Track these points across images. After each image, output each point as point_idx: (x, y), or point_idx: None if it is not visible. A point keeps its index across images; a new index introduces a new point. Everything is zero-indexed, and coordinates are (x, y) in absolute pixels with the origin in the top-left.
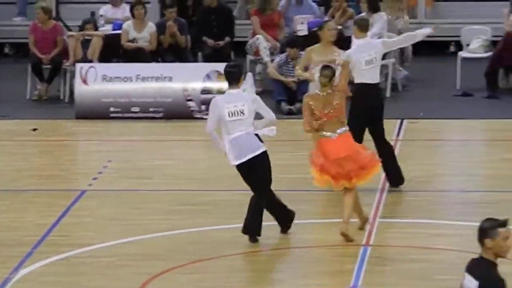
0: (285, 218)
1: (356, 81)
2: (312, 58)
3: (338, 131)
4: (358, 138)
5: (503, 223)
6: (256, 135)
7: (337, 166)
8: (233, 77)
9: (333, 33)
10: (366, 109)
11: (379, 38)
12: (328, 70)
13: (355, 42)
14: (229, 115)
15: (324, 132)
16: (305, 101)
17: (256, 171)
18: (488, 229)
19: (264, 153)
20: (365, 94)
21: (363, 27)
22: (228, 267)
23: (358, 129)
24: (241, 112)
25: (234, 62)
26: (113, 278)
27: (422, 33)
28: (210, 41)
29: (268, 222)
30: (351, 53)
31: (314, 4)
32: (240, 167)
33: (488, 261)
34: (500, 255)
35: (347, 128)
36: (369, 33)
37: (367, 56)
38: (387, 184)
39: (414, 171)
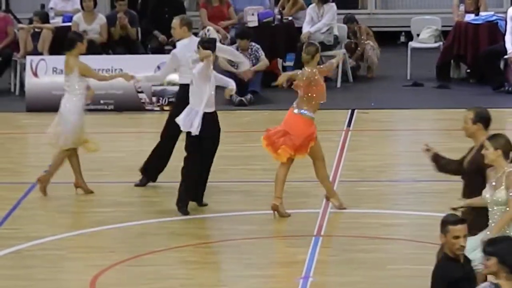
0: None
1: (182, 81)
2: None
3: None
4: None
5: (455, 222)
6: None
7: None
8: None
9: None
10: None
11: (328, 29)
12: (311, 46)
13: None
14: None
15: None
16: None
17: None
18: (442, 225)
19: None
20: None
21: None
22: (178, 259)
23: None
24: None
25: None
26: (65, 270)
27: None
28: (162, 37)
29: (217, 214)
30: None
31: None
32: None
33: (444, 253)
34: (453, 252)
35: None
36: (319, 23)
37: (194, 56)
38: (339, 174)
39: (365, 161)
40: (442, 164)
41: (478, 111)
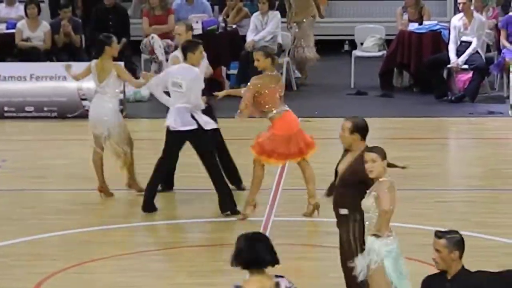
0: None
1: None
2: None
3: None
4: None
5: None
6: None
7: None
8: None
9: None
10: None
11: (272, 37)
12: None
13: None
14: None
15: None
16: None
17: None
18: None
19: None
20: None
21: None
22: (119, 267)
23: None
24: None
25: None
26: (7, 278)
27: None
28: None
29: (161, 221)
30: None
31: (206, 2)
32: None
33: None
34: None
35: None
36: (263, 32)
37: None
38: (282, 182)
39: None
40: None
41: (355, 121)
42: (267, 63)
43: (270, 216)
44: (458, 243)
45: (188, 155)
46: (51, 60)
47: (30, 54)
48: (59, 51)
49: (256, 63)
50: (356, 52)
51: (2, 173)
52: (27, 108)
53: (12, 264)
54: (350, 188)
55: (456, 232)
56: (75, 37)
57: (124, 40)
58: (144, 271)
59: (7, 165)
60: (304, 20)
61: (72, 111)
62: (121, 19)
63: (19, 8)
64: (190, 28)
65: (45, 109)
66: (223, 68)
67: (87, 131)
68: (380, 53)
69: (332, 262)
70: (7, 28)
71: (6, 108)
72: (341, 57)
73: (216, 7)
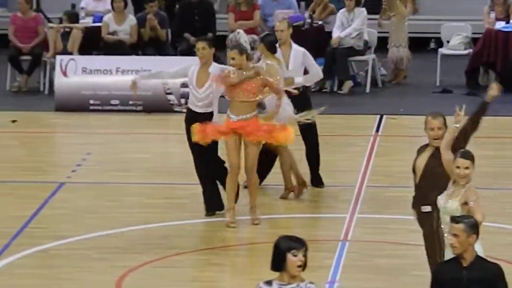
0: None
1: None
2: None
3: None
4: None
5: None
6: None
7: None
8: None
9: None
10: None
11: (358, 33)
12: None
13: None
14: None
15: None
16: None
17: None
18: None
19: None
20: None
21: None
22: (202, 261)
23: None
24: None
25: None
26: (90, 271)
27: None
28: (193, 39)
29: (242, 216)
30: None
31: None
32: None
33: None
34: None
35: None
36: (349, 28)
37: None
38: (366, 179)
39: (393, 166)
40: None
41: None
42: (242, 60)
43: (354, 213)
44: (475, 227)
45: None
46: (137, 54)
47: (116, 48)
48: (144, 45)
49: (231, 62)
50: (442, 50)
51: (87, 166)
52: (112, 102)
53: (95, 257)
54: (431, 184)
55: (471, 216)
56: (161, 31)
57: (210, 35)
58: (227, 266)
59: (91, 158)
60: (392, 17)
61: (157, 105)
62: (207, 14)
63: (106, 2)
64: (291, 25)
65: (130, 102)
66: None
67: (171, 125)
68: (466, 52)
69: (415, 260)
70: (94, 22)
71: (91, 101)
72: (427, 55)
73: (303, 3)
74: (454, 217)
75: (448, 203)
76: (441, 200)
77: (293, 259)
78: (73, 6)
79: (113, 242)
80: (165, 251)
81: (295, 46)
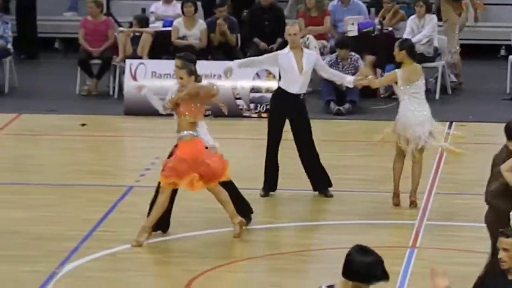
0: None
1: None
2: None
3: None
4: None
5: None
6: None
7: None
8: None
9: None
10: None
11: (428, 40)
12: None
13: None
14: None
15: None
16: None
17: None
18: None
19: None
20: None
21: None
22: (271, 266)
23: None
24: None
25: None
26: (159, 274)
27: (348, 81)
28: (262, 44)
29: (307, 222)
30: None
31: (361, 4)
32: None
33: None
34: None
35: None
36: (419, 35)
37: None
38: (435, 187)
39: (462, 174)
40: None
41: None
42: (189, 81)
43: (422, 220)
44: None
45: (335, 157)
46: (207, 59)
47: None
48: (214, 50)
49: (179, 81)
50: None
51: (155, 170)
52: None
53: (165, 260)
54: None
55: None
56: (231, 36)
57: (279, 40)
58: (297, 271)
59: (160, 162)
60: (445, 24)
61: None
62: (277, 19)
63: (176, 6)
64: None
65: None
66: (379, 71)
67: (240, 130)
68: None
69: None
70: (164, 26)
71: None
72: (497, 62)
73: (373, 9)
74: (505, 231)
75: None
76: None
77: None
78: (143, 10)
79: (181, 246)
80: (235, 255)
81: (306, 49)
